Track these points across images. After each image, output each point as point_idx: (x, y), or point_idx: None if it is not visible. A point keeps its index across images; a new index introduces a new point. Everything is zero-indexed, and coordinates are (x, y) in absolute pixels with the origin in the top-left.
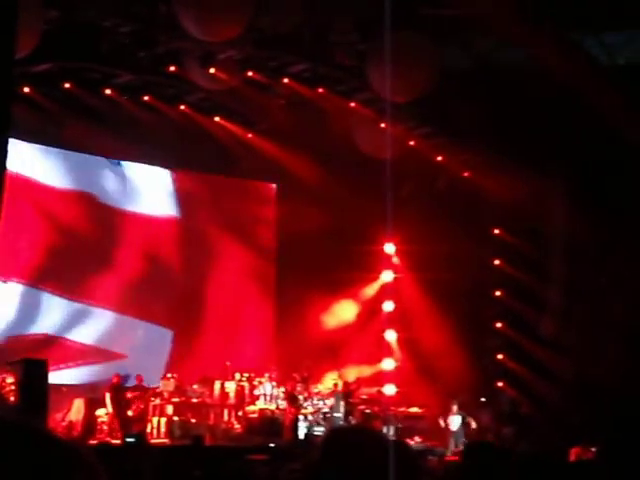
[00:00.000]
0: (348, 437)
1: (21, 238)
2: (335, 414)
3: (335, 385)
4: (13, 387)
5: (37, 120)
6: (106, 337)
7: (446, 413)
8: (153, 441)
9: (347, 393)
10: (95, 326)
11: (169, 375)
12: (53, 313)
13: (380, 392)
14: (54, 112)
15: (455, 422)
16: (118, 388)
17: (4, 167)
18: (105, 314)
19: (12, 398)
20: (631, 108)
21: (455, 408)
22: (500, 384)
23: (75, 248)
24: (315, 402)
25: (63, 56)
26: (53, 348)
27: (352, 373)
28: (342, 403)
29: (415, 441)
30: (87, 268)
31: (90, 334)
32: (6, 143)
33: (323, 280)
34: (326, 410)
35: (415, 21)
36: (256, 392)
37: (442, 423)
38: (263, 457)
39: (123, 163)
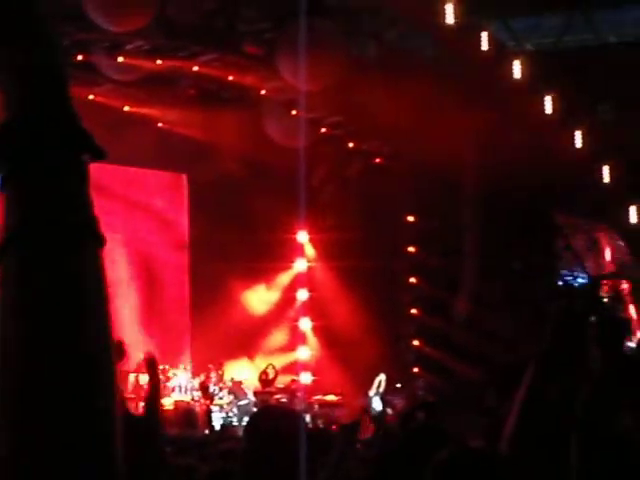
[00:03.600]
0: (268, 419)
1: None
2: (251, 403)
3: (262, 374)
4: None
5: None
6: None
7: (366, 396)
8: None
9: (263, 382)
10: None
11: None
12: None
13: (296, 381)
14: None
15: (377, 403)
16: None
17: None
18: None
19: None
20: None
21: (375, 390)
22: (415, 370)
23: None
24: (230, 392)
25: None
26: None
27: (267, 362)
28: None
29: (334, 428)
30: None
31: None
32: None
33: (237, 269)
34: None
35: (321, 11)
36: (170, 384)
37: (363, 403)
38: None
39: None
